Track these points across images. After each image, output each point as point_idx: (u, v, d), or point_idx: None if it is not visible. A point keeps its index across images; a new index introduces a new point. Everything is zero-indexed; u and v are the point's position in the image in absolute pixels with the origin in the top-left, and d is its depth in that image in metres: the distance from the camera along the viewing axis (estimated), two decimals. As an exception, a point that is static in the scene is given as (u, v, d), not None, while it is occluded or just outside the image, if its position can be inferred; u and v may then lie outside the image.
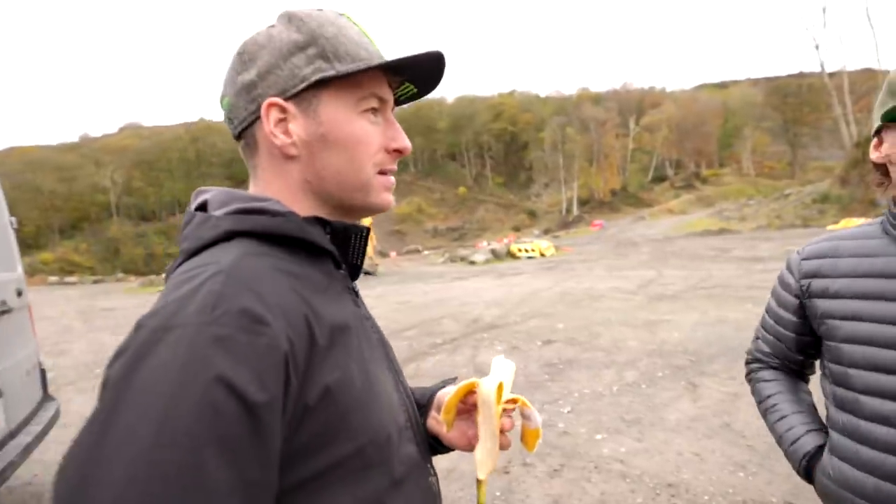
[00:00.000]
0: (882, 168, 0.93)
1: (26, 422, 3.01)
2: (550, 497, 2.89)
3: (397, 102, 0.70)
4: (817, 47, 45.15)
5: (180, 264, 0.57)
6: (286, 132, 0.61)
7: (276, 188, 0.63)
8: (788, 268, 1.07)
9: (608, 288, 11.26)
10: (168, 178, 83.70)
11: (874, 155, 0.94)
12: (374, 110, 0.63)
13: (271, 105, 0.60)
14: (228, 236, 0.57)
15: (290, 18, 0.62)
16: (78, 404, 5.23)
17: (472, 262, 23.41)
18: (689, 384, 4.66)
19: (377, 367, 0.63)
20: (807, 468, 1.00)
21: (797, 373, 1.14)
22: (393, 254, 40.07)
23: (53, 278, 34.78)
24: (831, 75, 42.92)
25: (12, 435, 2.80)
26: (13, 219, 3.50)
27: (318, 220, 0.62)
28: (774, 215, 31.68)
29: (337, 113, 0.61)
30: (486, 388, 0.69)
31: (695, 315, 7.55)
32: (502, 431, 0.71)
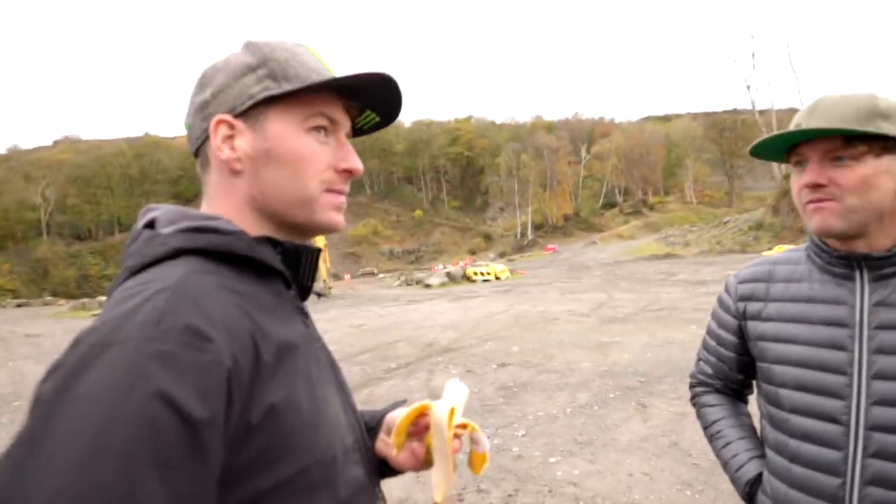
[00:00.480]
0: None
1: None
2: (505, 524, 2.83)
3: (362, 132, 0.73)
4: (748, 87, 48.78)
5: (124, 281, 0.55)
6: (232, 148, 0.62)
7: (225, 205, 0.63)
8: (727, 290, 1.11)
9: (562, 311, 11.48)
10: (107, 195, 79.29)
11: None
12: (323, 129, 0.64)
13: (219, 122, 0.62)
14: (176, 254, 0.55)
15: (247, 45, 0.65)
16: (-9, 441, 4.75)
17: (428, 286, 23.36)
18: (639, 405, 4.76)
19: (325, 387, 0.62)
20: (749, 493, 1.04)
21: (737, 393, 1.18)
22: (347, 276, 39.43)
23: (-28, 302, 31.88)
24: (761, 113, 46.54)
25: None
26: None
27: (268, 240, 0.61)
28: (715, 241, 33.60)
29: (283, 129, 0.62)
30: (438, 413, 0.69)
31: (644, 337, 7.79)
32: (453, 453, 0.71)
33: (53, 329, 15.36)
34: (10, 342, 12.42)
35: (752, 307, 1.03)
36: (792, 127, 0.90)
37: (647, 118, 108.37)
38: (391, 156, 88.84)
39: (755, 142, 0.96)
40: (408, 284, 25.61)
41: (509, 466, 3.60)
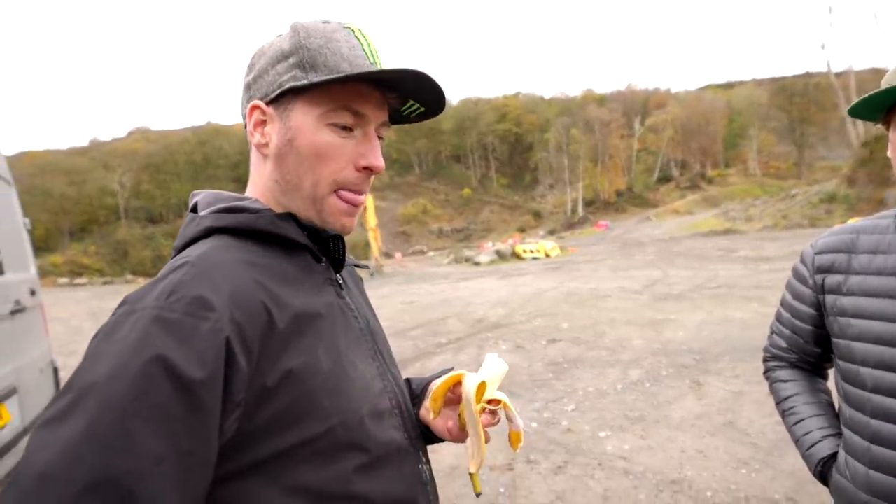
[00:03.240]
0: None
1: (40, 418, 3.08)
2: (554, 493, 2.92)
3: (407, 120, 0.73)
4: (823, 47, 44.86)
5: (173, 258, 0.62)
6: (262, 133, 0.66)
7: (258, 185, 0.69)
8: (803, 261, 1.06)
9: (613, 288, 11.25)
10: (175, 180, 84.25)
11: (890, 151, 0.94)
12: (346, 126, 0.63)
13: (253, 107, 0.65)
14: (208, 233, 0.63)
15: (291, 28, 0.65)
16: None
17: (477, 263, 23.43)
18: (693, 382, 4.67)
19: (355, 354, 0.65)
20: (822, 472, 1.01)
21: (815, 367, 1.13)
22: (398, 255, 40.10)
23: (63, 280, 35.15)
24: (838, 75, 42.65)
25: (27, 431, 2.86)
26: (27, 220, 3.58)
27: (292, 217, 0.66)
28: (781, 215, 31.45)
29: (304, 121, 0.63)
30: (467, 386, 0.71)
31: (700, 314, 7.54)
32: (484, 426, 0.72)
33: (133, 305, 16.71)
34: (98, 316, 13.66)
35: (832, 280, 0.98)
36: (889, 85, 0.84)
37: (707, 86, 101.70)
38: (439, 135, 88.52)
39: (862, 97, 0.87)
40: (457, 262, 25.78)
41: (559, 439, 3.66)
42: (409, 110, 0.70)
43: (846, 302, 0.95)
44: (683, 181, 73.57)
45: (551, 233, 53.49)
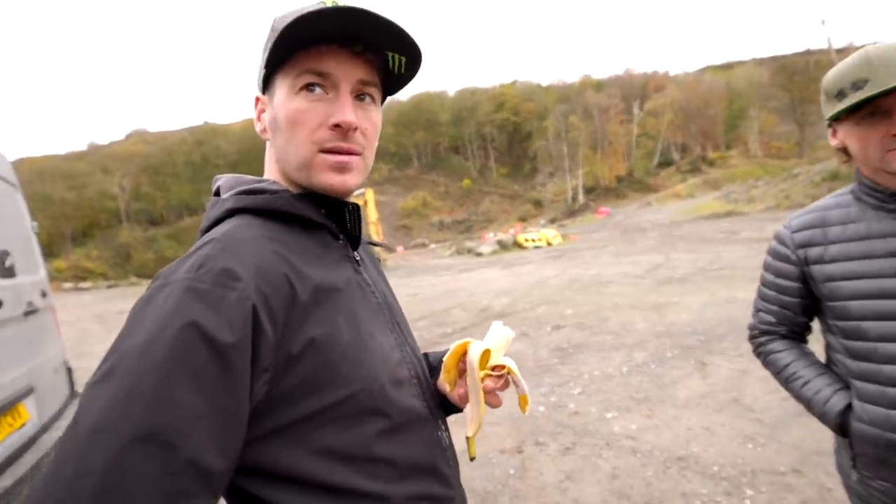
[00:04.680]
0: (843, 149, 1.09)
1: (56, 417, 3.14)
2: (563, 473, 2.97)
3: (402, 80, 0.73)
4: (823, 23, 44.29)
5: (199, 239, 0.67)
6: (261, 120, 0.72)
7: (271, 169, 0.74)
8: (782, 242, 1.18)
9: (616, 273, 11.29)
10: (174, 182, 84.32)
11: (833, 142, 1.10)
12: (312, 86, 0.65)
13: (255, 100, 0.73)
14: (231, 214, 0.67)
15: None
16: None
17: (479, 254, 23.47)
18: (698, 363, 4.72)
19: (374, 326, 0.69)
20: (841, 424, 1.08)
21: (800, 336, 1.24)
22: (400, 248, 40.14)
23: (68, 285, 35.38)
24: (839, 51, 42.14)
25: (45, 429, 2.93)
26: (34, 224, 3.63)
27: (310, 197, 0.69)
28: (783, 196, 31.32)
29: (281, 95, 0.67)
30: (471, 353, 0.75)
31: (704, 296, 7.58)
32: (487, 392, 0.75)
33: (139, 307, 16.82)
34: (105, 319, 13.79)
35: (813, 252, 1.10)
36: (850, 86, 0.96)
37: (706, 68, 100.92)
38: (437, 126, 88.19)
39: (844, 106, 0.99)
40: (459, 254, 25.84)
41: (566, 421, 3.72)
42: (396, 67, 0.70)
43: (833, 268, 1.07)
44: (684, 165, 73.22)
45: (552, 221, 53.43)
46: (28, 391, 2.78)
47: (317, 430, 0.59)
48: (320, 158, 0.66)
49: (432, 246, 39.47)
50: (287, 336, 0.57)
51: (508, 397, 0.82)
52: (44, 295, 3.36)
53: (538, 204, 75.04)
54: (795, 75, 65.29)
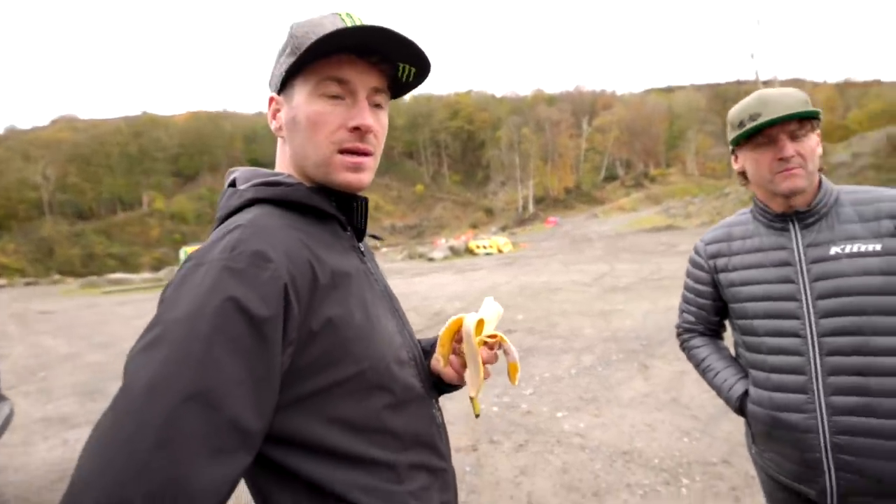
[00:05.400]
0: (743, 174, 1.28)
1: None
2: (517, 468, 3.07)
3: (408, 87, 0.79)
4: (752, 56, 48.06)
5: (217, 227, 0.71)
6: (277, 119, 0.76)
7: (283, 165, 0.78)
8: (697, 253, 1.39)
9: (565, 281, 11.69)
10: (107, 173, 78.89)
11: (735, 166, 1.28)
12: (334, 94, 0.71)
13: (270, 100, 0.77)
14: (251, 203, 0.71)
15: (289, 27, 0.75)
16: (23, 407, 4.99)
17: (431, 259, 23.57)
18: (641, 365, 4.99)
19: (379, 310, 0.75)
20: (740, 406, 1.29)
21: (716, 333, 1.45)
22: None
23: (-22, 281, 32.19)
24: (765, 83, 45.89)
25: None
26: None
27: (323, 190, 0.75)
28: (716, 212, 33.55)
29: (301, 97, 0.72)
30: (467, 322, 0.82)
31: (646, 304, 8.00)
32: (484, 363, 0.83)
33: (66, 305, 15.65)
34: (26, 318, 12.71)
35: (721, 262, 1.31)
36: (747, 118, 1.17)
37: (650, 90, 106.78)
38: (392, 130, 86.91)
39: (742, 131, 1.18)
40: (411, 258, 25.82)
41: (519, 421, 3.84)
42: (405, 76, 0.77)
43: (734, 276, 1.27)
44: (628, 180, 76.90)
45: (503, 229, 54.49)
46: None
47: (332, 402, 0.65)
48: (338, 158, 0.72)
49: (384, 250, 39.21)
50: (309, 314, 0.62)
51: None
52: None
53: (490, 212, 76.31)
54: (728, 102, 70.15)
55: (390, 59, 0.73)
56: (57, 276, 36.23)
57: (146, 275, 30.54)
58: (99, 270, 43.68)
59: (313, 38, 0.68)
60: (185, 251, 33.01)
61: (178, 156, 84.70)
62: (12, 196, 70.49)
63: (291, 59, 0.70)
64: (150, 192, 78.24)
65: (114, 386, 5.24)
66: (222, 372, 0.53)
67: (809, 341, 1.13)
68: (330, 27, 0.69)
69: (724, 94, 76.05)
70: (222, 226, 0.67)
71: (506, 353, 0.85)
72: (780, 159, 1.13)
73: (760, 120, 1.13)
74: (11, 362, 7.28)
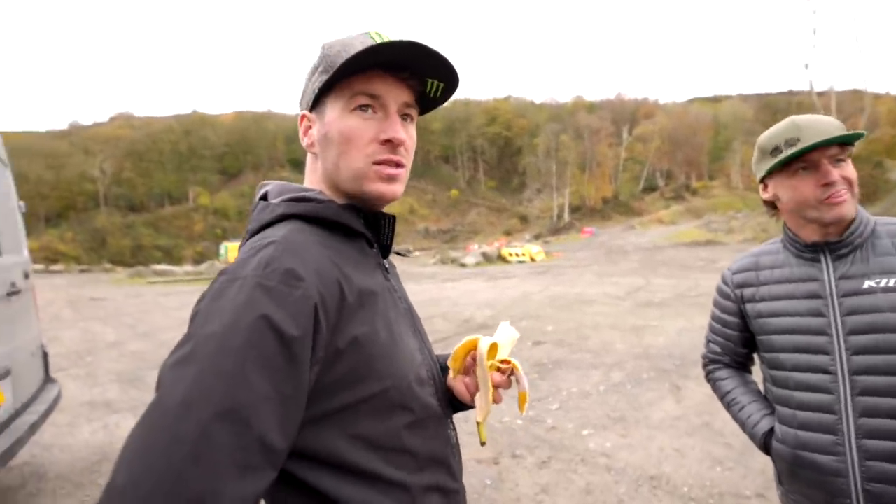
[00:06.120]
0: (771, 203, 1.24)
1: (31, 401, 3.07)
2: (539, 486, 3.02)
3: (436, 101, 0.81)
4: (807, 67, 45.76)
5: (247, 240, 0.73)
6: (309, 136, 0.78)
7: (314, 180, 0.80)
8: (724, 282, 1.34)
9: (598, 293, 11.46)
10: (158, 169, 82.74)
11: (764, 195, 1.24)
12: (368, 107, 0.73)
13: (301, 117, 0.79)
14: (282, 218, 0.73)
15: (320, 47, 0.78)
16: (71, 390, 5.27)
17: (463, 265, 23.57)
18: (672, 386, 4.84)
19: (402, 329, 0.76)
20: (765, 444, 1.23)
21: (742, 365, 1.39)
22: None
23: (39, 267, 34.28)
24: (820, 94, 43.78)
25: (18, 413, 2.87)
26: (21, 203, 3.57)
27: (353, 208, 0.76)
28: (761, 228, 32.24)
29: (333, 114, 0.74)
30: (481, 346, 0.82)
31: (681, 322, 7.76)
32: (495, 387, 0.82)
33: (115, 294, 16.46)
34: (77, 304, 13.44)
35: (748, 292, 1.26)
36: (785, 144, 1.12)
37: (694, 99, 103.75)
38: (428, 134, 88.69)
39: (783, 156, 1.12)
40: (443, 263, 25.90)
41: (543, 436, 3.78)
42: (433, 91, 0.78)
43: (761, 307, 1.22)
44: (668, 191, 74.82)
45: (537, 237, 53.94)
46: (5, 373, 2.73)
47: (354, 420, 0.66)
48: (373, 170, 0.74)
49: (416, 253, 39.47)
50: (336, 333, 0.64)
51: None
52: (26, 276, 3.31)
53: (524, 219, 75.71)
54: (777, 114, 67.34)
55: (420, 74, 0.75)
56: (108, 265, 38.19)
57: (188, 267, 31.80)
58: (146, 261, 45.78)
59: (345, 56, 0.70)
60: (226, 246, 34.38)
61: (224, 154, 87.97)
62: (73, 188, 74.99)
63: (324, 77, 0.73)
64: (195, 188, 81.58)
65: (152, 376, 5.46)
66: (252, 390, 0.54)
67: (840, 378, 1.08)
68: (360, 46, 0.71)
69: (773, 105, 73.06)
70: (255, 240, 0.69)
71: (517, 381, 0.85)
72: (826, 185, 1.09)
73: (800, 145, 1.08)
74: (63, 346, 7.70)
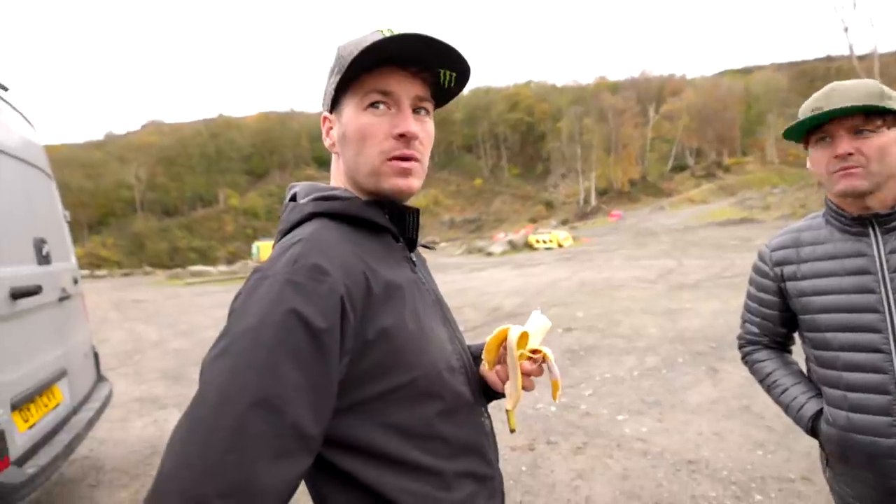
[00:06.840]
0: None
1: (86, 399, 3.26)
2: (574, 472, 3.03)
3: (451, 93, 0.82)
4: (846, 30, 43.02)
5: (279, 238, 0.76)
6: (330, 136, 0.80)
7: (338, 179, 0.83)
8: (762, 259, 1.28)
9: (627, 277, 11.28)
10: (189, 173, 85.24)
11: (809, 165, 1.19)
12: (380, 103, 0.74)
13: (324, 118, 0.82)
14: (310, 217, 0.75)
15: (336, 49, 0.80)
16: (121, 387, 5.54)
17: (490, 254, 23.51)
18: (709, 369, 4.74)
19: (431, 320, 0.77)
20: (812, 428, 1.19)
21: (782, 346, 1.34)
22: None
23: (84, 272, 35.98)
24: (861, 58, 41.39)
25: (76, 411, 3.05)
26: (66, 212, 3.76)
27: (377, 203, 0.78)
28: (799, 204, 30.98)
29: (349, 113, 0.76)
30: (511, 335, 0.82)
31: (716, 303, 7.57)
32: (525, 374, 0.83)
33: (155, 296, 17.12)
34: (121, 306, 14.06)
35: (788, 269, 1.21)
36: (809, 111, 1.07)
37: (724, 72, 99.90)
38: (450, 125, 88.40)
39: (792, 124, 1.10)
40: (470, 253, 25.90)
41: (578, 422, 3.77)
42: (446, 82, 0.78)
43: (804, 284, 1.17)
44: (699, 170, 72.56)
45: (564, 223, 53.25)
46: (62, 374, 2.90)
47: (385, 409, 0.68)
48: (388, 165, 0.75)
49: (442, 244, 39.54)
50: (364, 324, 0.66)
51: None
52: (75, 281, 3.49)
53: (550, 205, 74.80)
54: (816, 81, 64.32)
55: (430, 66, 0.75)
56: (148, 268, 39.72)
57: (222, 267, 32.76)
58: (182, 263, 47.36)
59: (356, 53, 0.71)
60: (258, 246, 35.20)
61: (251, 155, 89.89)
62: (110, 195, 78.13)
63: (338, 77, 0.74)
64: (225, 190, 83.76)
65: (194, 371, 5.70)
66: (284, 380, 0.57)
67: (894, 357, 1.05)
68: (370, 42, 0.72)
69: (811, 73, 69.77)
70: (285, 239, 0.72)
71: (549, 369, 0.86)
72: (837, 157, 1.05)
73: (816, 114, 1.05)
74: (111, 346, 8.09)
